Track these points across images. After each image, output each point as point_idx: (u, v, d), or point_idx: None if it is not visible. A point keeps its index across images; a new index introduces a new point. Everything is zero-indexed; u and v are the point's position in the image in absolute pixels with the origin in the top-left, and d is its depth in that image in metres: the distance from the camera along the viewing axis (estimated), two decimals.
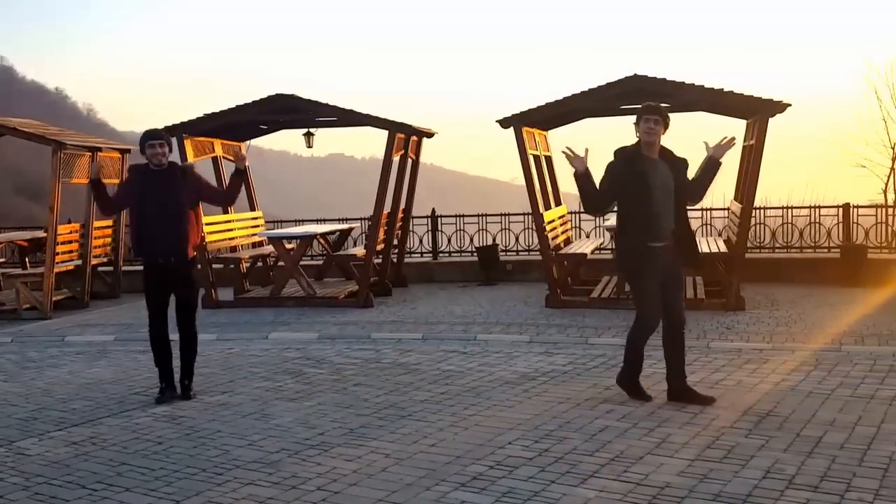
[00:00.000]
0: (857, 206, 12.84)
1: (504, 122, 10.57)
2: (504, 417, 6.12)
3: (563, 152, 6.53)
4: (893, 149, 14.98)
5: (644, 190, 6.21)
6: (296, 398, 6.78)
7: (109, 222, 12.81)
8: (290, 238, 11.60)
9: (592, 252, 11.63)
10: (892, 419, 5.89)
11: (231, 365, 8.02)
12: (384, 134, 11.18)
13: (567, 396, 6.65)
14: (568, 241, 12.31)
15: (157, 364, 7.03)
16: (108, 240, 12.91)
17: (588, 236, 13.43)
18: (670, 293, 6.43)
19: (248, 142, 13.09)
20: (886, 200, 14.06)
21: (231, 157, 12.41)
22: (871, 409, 6.17)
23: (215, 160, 12.22)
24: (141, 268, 13.85)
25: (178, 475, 5.08)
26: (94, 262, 12.39)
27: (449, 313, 10.56)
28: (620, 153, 6.40)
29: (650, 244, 6.27)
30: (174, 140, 10.91)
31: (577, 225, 13.49)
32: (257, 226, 12.84)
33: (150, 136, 6.84)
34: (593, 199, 6.47)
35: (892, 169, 14.70)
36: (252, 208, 13.02)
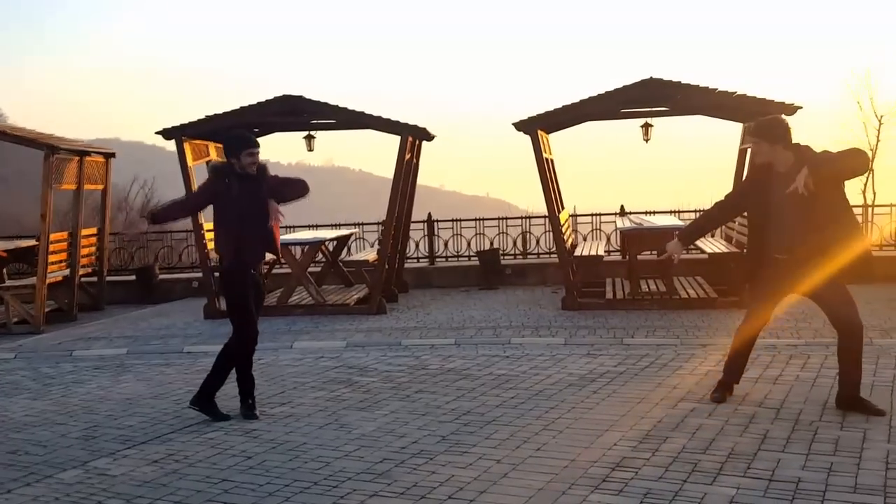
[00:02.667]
0: None
1: (521, 126, 10.47)
2: (592, 419, 5.98)
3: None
4: (872, 151, 15.42)
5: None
6: (364, 407, 6.51)
7: (94, 230, 12.23)
8: (294, 244, 11.23)
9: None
10: None
11: (272, 376, 7.67)
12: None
13: (640, 397, 6.55)
14: (574, 245, 12.27)
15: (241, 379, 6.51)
16: (93, 248, 12.32)
17: (585, 239, 13.43)
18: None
19: None
20: (866, 200, 14.47)
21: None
22: None
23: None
24: (125, 279, 13.62)
25: (291, 490, 4.78)
26: (80, 272, 11.80)
27: (469, 318, 10.38)
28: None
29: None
30: (174, 142, 10.67)
31: (575, 228, 13.48)
32: None
33: (249, 143, 6.29)
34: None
35: (871, 170, 15.18)
36: None
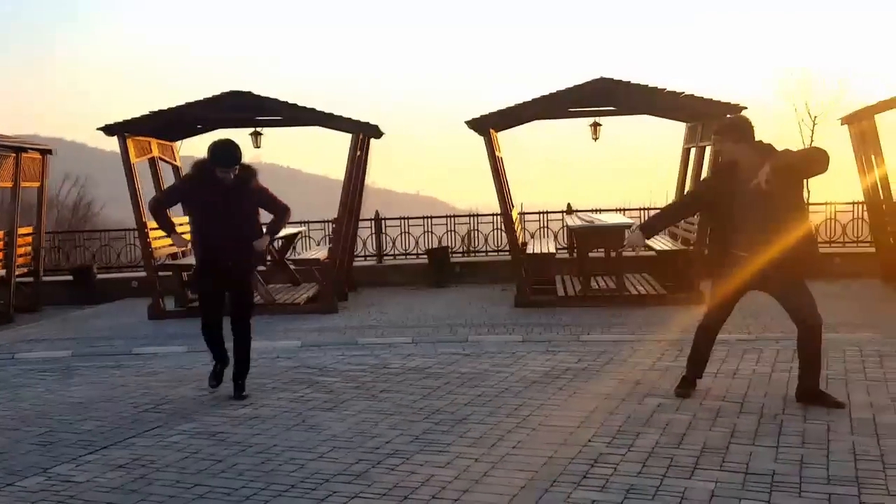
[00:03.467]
0: None
1: (473, 124, 10.46)
2: (563, 416, 5.98)
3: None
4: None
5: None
6: (330, 408, 6.39)
7: (30, 229, 11.79)
8: None
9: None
10: None
11: (229, 377, 7.43)
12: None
13: (605, 393, 6.58)
14: (524, 243, 12.30)
15: (213, 348, 7.07)
16: (29, 248, 11.87)
17: (533, 236, 13.48)
18: None
19: (179, 142, 12.42)
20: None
21: (167, 158, 11.77)
22: (894, 392, 6.41)
23: (152, 161, 11.45)
24: (61, 278, 13.17)
25: (269, 493, 4.65)
26: (17, 272, 11.36)
27: (423, 316, 10.32)
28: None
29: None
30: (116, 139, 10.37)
31: (523, 226, 13.51)
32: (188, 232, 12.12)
33: (223, 162, 6.49)
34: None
35: None
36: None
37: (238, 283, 6.86)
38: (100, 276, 13.16)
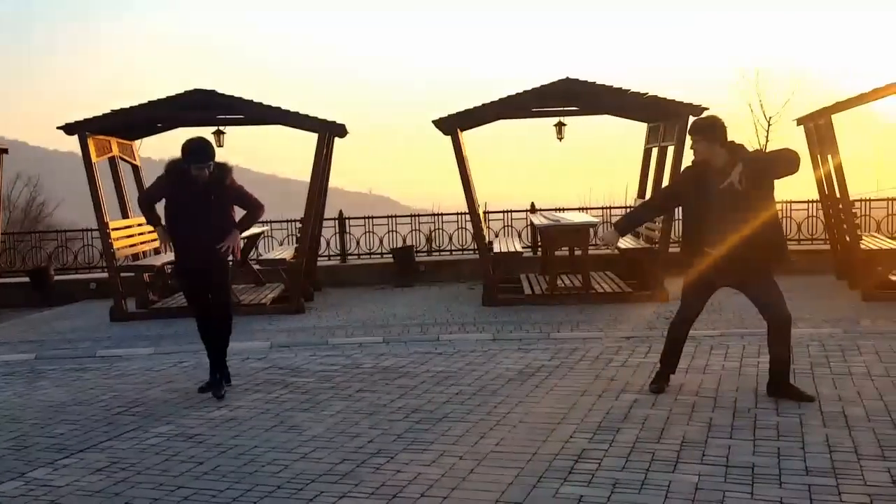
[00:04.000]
0: None
1: (440, 124, 10.47)
2: (542, 413, 6.02)
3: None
4: (763, 150, 16.20)
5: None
6: (307, 408, 6.35)
7: None
8: None
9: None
10: (886, 392, 6.30)
11: (200, 378, 7.36)
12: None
13: (581, 389, 6.64)
14: (490, 242, 12.34)
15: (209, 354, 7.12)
16: None
17: (497, 235, 13.53)
18: None
19: (139, 141, 12.22)
20: None
21: (127, 157, 11.58)
22: (859, 385, 6.56)
23: (112, 160, 11.25)
24: (17, 280, 12.87)
25: (255, 495, 4.61)
26: None
27: (391, 315, 10.30)
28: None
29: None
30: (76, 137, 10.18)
31: (487, 225, 13.56)
32: (153, 230, 11.94)
33: (198, 159, 6.51)
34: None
35: None
36: None
37: (216, 282, 6.86)
38: (57, 277, 12.89)
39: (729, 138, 6.33)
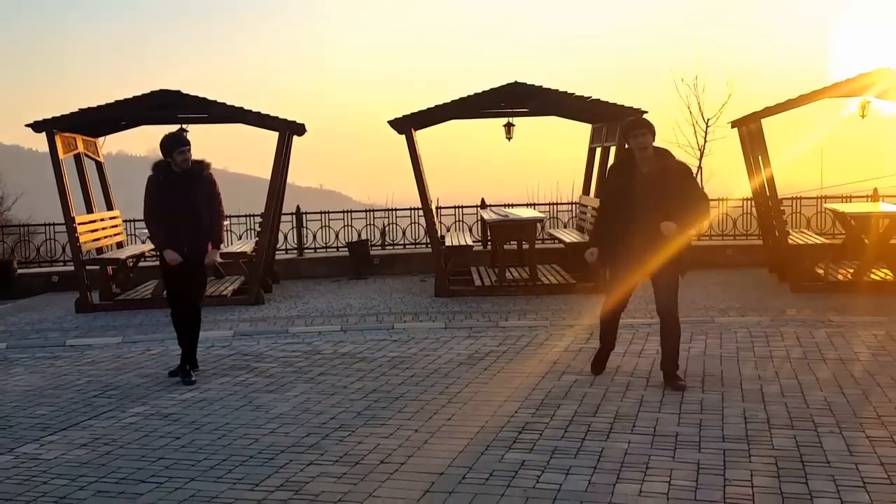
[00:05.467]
0: None
1: (395, 124, 10.97)
2: (490, 392, 6.58)
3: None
4: (700, 151, 16.99)
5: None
6: (272, 390, 6.84)
7: None
8: None
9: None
10: (801, 372, 6.99)
11: (168, 365, 7.78)
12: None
13: (526, 372, 7.22)
14: (442, 236, 12.87)
15: (181, 343, 7.48)
16: None
17: (449, 230, 14.07)
18: None
19: (102, 138, 12.52)
20: None
21: (91, 154, 11.88)
22: (778, 366, 7.25)
23: (77, 157, 11.55)
24: None
25: (230, 464, 5.10)
26: None
27: (347, 306, 10.79)
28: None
29: None
30: (44, 135, 10.48)
31: (439, 220, 14.10)
32: (116, 225, 12.28)
33: (179, 143, 7.15)
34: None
35: (700, 168, 16.70)
36: (109, 207, 12.42)
37: (194, 269, 7.37)
38: (19, 270, 13.12)
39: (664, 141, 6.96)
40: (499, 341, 8.49)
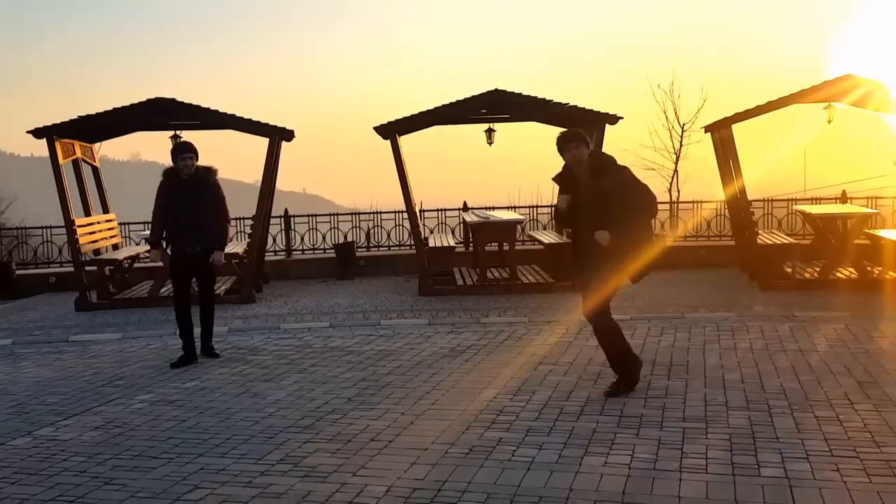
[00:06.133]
0: None
1: (381, 130, 11.46)
2: (470, 381, 7.09)
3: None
4: (676, 154, 17.55)
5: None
6: (268, 379, 7.32)
7: None
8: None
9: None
10: (761, 362, 7.53)
11: (168, 358, 8.24)
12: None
13: (505, 363, 7.73)
14: (425, 238, 13.35)
15: (182, 335, 8.14)
16: None
17: (432, 232, 14.57)
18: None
19: (98, 144, 12.94)
20: (672, 197, 16.49)
21: (88, 159, 12.32)
22: (741, 357, 7.78)
23: (76, 162, 11.99)
24: None
25: (234, 442, 5.58)
26: None
27: (335, 304, 11.27)
28: None
29: None
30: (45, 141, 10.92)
31: (423, 222, 14.58)
32: (112, 228, 12.71)
33: (182, 150, 7.89)
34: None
35: (675, 171, 17.27)
36: (105, 210, 12.85)
37: (204, 268, 8.09)
38: (18, 272, 13.52)
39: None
40: (479, 336, 8.99)
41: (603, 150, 11.93)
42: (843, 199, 15.11)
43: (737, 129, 12.46)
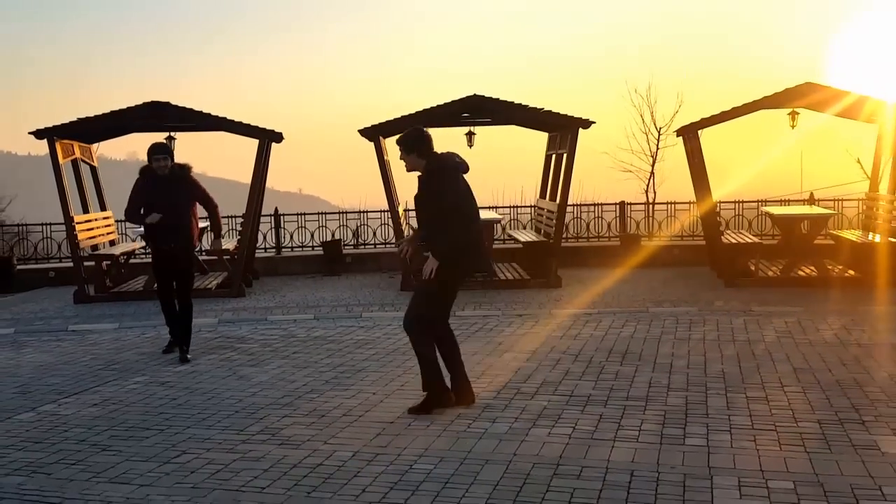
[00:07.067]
0: (630, 204, 15.70)
1: (365, 133, 12.08)
2: (440, 366, 7.69)
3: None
4: (653, 157, 18.15)
5: None
6: (253, 364, 7.95)
7: None
8: None
9: None
10: (710, 350, 8.16)
11: (163, 346, 8.85)
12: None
13: (474, 351, 8.31)
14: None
15: (169, 323, 8.55)
16: None
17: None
18: None
19: (96, 144, 13.54)
20: (648, 198, 17.08)
21: (86, 159, 12.92)
22: (692, 346, 8.41)
23: (74, 162, 12.60)
24: None
25: (219, 416, 6.21)
26: None
27: (321, 298, 11.89)
28: None
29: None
30: (45, 142, 11.52)
31: (407, 221, 15.20)
32: (109, 225, 13.32)
33: (155, 151, 8.17)
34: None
35: (652, 173, 17.86)
36: (103, 208, 13.47)
37: (182, 268, 8.37)
38: (18, 266, 14.12)
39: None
40: (454, 327, 9.48)
41: (575, 154, 12.65)
42: (811, 200, 15.75)
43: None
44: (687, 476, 4.90)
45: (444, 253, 6.35)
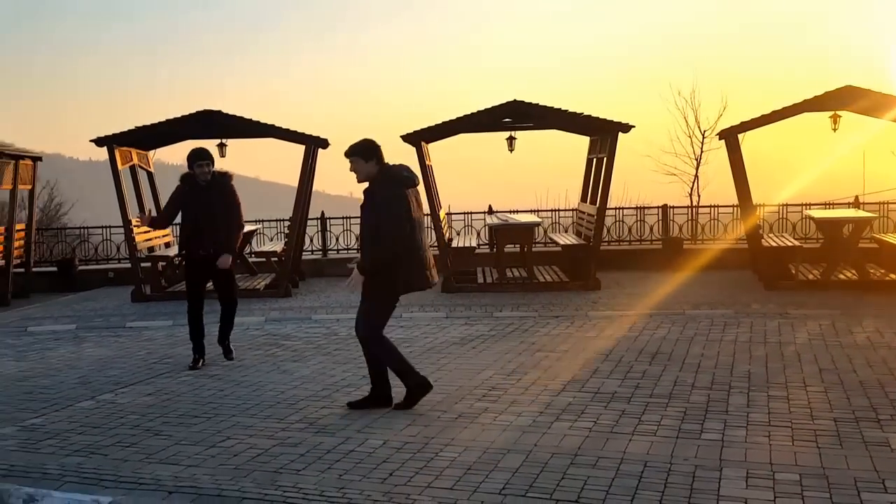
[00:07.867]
0: (673, 207, 15.86)
1: (407, 138, 12.48)
2: (472, 363, 8.04)
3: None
4: (696, 160, 18.22)
5: None
6: (296, 360, 8.37)
7: (22, 225, 13.45)
8: None
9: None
10: (739, 352, 8.35)
11: (213, 342, 9.32)
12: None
13: (507, 349, 8.66)
14: (450, 239, 14.35)
15: (193, 337, 8.32)
16: (22, 242, 13.54)
17: (459, 234, 15.55)
18: None
19: (153, 151, 14.17)
20: (692, 202, 17.17)
21: (143, 165, 13.54)
22: (722, 347, 8.60)
23: (132, 168, 13.24)
24: (46, 269, 14.81)
25: (262, 406, 6.63)
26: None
27: None
28: None
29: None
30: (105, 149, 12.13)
31: (450, 224, 15.58)
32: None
33: (199, 157, 8.11)
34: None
35: (696, 176, 17.94)
36: (158, 212, 14.04)
37: (221, 276, 8.37)
38: (80, 267, 14.84)
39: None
40: (490, 328, 9.93)
41: (615, 158, 12.87)
42: (856, 204, 15.71)
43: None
44: (698, 467, 5.16)
45: (364, 267, 6.46)
